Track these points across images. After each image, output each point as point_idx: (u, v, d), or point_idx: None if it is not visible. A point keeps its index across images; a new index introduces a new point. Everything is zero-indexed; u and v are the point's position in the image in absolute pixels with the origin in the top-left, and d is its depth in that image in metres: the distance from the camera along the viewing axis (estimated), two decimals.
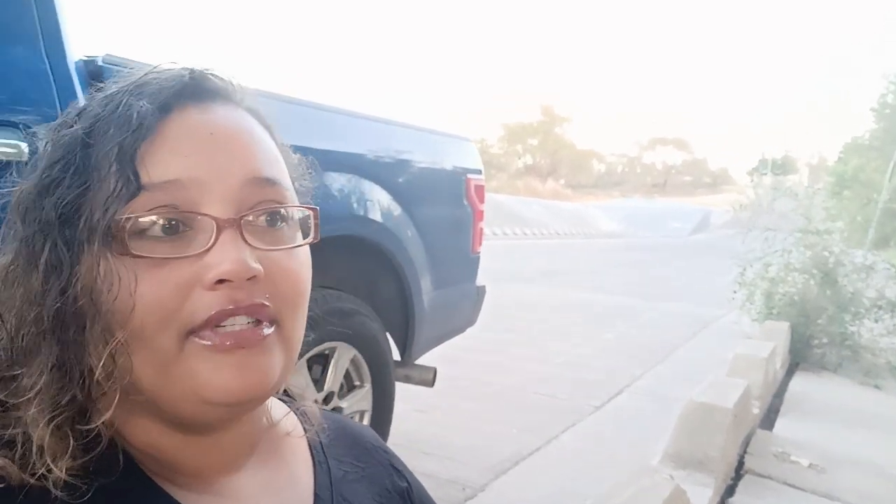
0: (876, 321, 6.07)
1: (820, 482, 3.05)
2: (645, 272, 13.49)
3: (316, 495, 0.61)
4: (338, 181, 2.19)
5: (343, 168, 2.21)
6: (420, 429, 3.33)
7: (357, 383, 2.32)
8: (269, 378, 0.50)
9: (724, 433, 2.83)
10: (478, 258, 3.00)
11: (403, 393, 2.87)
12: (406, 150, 2.59)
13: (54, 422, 0.46)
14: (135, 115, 0.48)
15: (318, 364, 2.18)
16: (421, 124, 2.82)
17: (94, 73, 1.40)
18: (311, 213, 0.56)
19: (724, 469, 2.90)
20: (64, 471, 0.46)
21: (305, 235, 0.55)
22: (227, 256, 0.47)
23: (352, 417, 2.33)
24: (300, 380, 2.03)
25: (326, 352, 2.15)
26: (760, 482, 3.03)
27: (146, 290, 0.46)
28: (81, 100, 0.52)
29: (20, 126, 1.20)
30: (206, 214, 0.48)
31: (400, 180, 2.48)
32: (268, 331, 0.50)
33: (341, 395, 2.24)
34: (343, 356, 2.20)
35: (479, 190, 2.92)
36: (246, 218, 0.50)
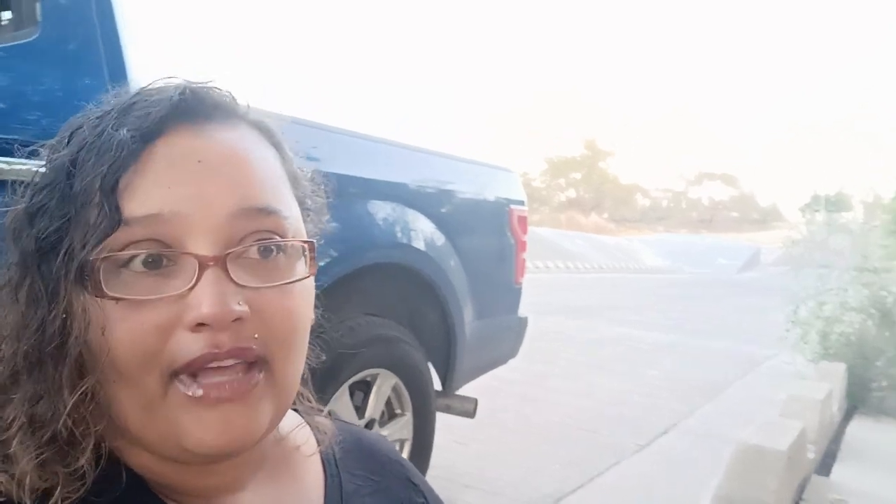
0: None
1: None
2: (691, 308, 13.16)
3: None
4: (382, 209, 2.21)
5: (388, 197, 2.23)
6: (460, 460, 3.28)
7: (398, 411, 2.30)
8: (253, 433, 0.48)
9: (777, 477, 2.71)
10: (520, 289, 2.97)
11: (444, 424, 2.84)
12: (450, 180, 2.60)
13: (38, 459, 0.45)
14: (115, 144, 0.45)
15: (360, 391, 2.17)
16: (465, 155, 2.84)
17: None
18: (305, 245, 0.51)
19: None
20: (60, 502, 0.44)
21: (308, 263, 0.52)
22: (206, 299, 0.44)
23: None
24: (342, 405, 2.03)
25: (368, 378, 2.15)
26: None
27: (125, 331, 0.44)
28: (73, 120, 0.50)
29: None
30: (187, 252, 0.45)
31: (443, 210, 2.49)
32: (257, 377, 0.47)
33: (382, 423, 2.22)
34: (385, 383, 2.19)
35: (522, 221, 2.91)
36: (234, 251, 0.47)
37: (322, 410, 0.65)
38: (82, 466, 0.45)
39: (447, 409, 2.66)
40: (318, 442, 0.62)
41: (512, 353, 3.05)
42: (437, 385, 2.56)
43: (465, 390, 2.74)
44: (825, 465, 3.84)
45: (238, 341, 0.45)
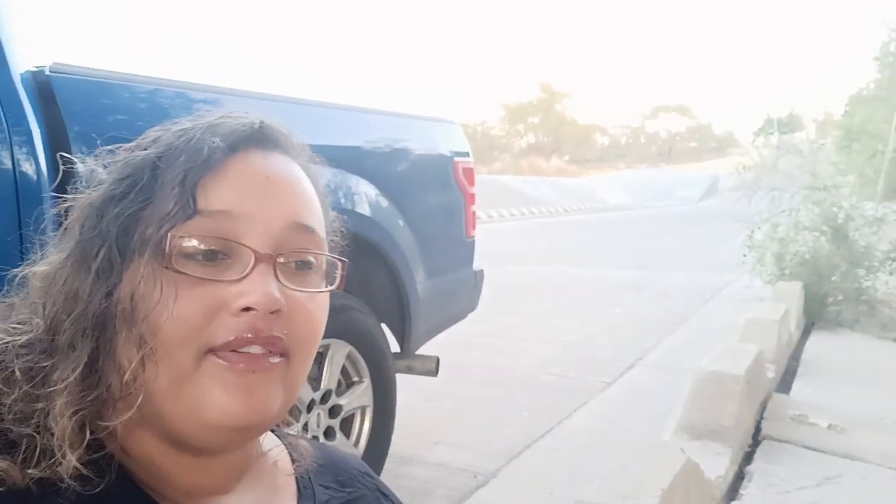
0: (891, 274, 5.96)
1: (840, 443, 2.98)
2: (653, 243, 13.38)
3: None
4: (324, 175, 2.13)
5: (325, 162, 2.15)
6: (430, 419, 3.30)
7: (355, 379, 2.28)
8: (270, 407, 0.53)
9: (736, 400, 2.78)
10: (473, 242, 2.94)
11: (411, 384, 2.85)
12: (390, 138, 2.53)
13: (78, 415, 0.49)
14: (206, 149, 0.53)
15: (314, 363, 2.14)
16: (403, 110, 2.76)
17: (41, 83, 1.36)
18: (339, 263, 0.60)
19: (739, 437, 2.84)
20: (71, 467, 0.48)
21: (330, 284, 0.59)
22: (257, 288, 0.51)
23: (353, 414, 2.29)
24: None
25: (320, 350, 2.11)
26: (779, 447, 2.97)
27: (181, 305, 0.50)
28: (159, 128, 0.58)
29: None
30: (246, 246, 0.52)
31: (386, 170, 2.43)
32: (276, 360, 0.53)
33: (339, 393, 2.20)
34: (338, 353, 2.16)
35: (468, 173, 2.86)
36: (281, 257, 0.54)
37: (304, 437, 0.71)
38: (108, 428, 0.51)
39: (409, 371, 2.65)
40: (293, 461, 0.67)
41: (470, 307, 3.04)
42: (396, 348, 2.55)
43: (433, 348, 2.73)
44: (785, 382, 3.97)
45: (272, 330, 0.52)
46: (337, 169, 2.20)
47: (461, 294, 2.93)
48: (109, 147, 0.58)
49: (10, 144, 1.25)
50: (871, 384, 3.99)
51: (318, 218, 0.59)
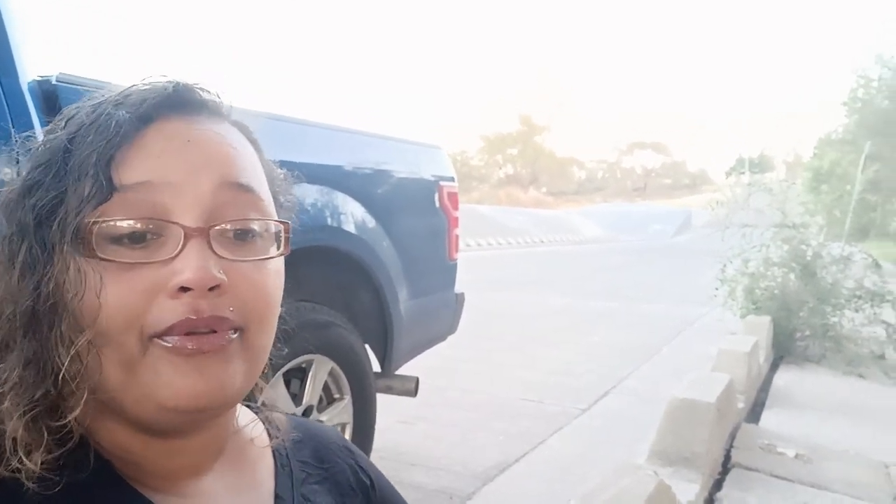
0: (856, 311, 6.12)
1: (807, 472, 3.05)
2: (628, 275, 13.55)
3: (277, 496, 0.62)
4: (310, 193, 2.18)
5: (315, 180, 2.20)
6: (405, 440, 3.31)
7: (336, 396, 2.30)
8: (227, 385, 0.50)
9: (708, 428, 2.83)
10: (455, 265, 2.99)
11: (388, 405, 2.85)
12: (377, 160, 2.58)
13: (28, 415, 0.47)
14: (113, 124, 0.50)
15: (297, 378, 2.15)
16: (392, 135, 2.82)
17: (48, 92, 1.39)
18: (282, 226, 0.56)
19: (710, 464, 2.89)
20: (38, 464, 0.47)
21: (279, 248, 0.56)
22: (190, 264, 0.48)
23: None
24: (278, 394, 2.01)
25: (303, 365, 2.13)
26: (748, 475, 3.03)
27: (112, 293, 0.47)
28: (74, 106, 0.54)
29: None
30: (174, 222, 0.49)
31: (372, 190, 2.48)
32: (230, 336, 0.50)
33: (321, 409, 2.21)
34: (321, 369, 2.18)
35: (453, 197, 2.92)
36: (215, 228, 0.50)
37: (279, 409, 0.69)
38: (68, 425, 0.48)
39: (388, 390, 2.67)
40: (270, 436, 0.65)
41: (450, 329, 3.07)
42: (376, 367, 2.57)
43: (410, 368, 2.75)
44: (754, 413, 4.05)
45: (216, 310, 0.49)
46: (325, 186, 2.24)
47: (442, 315, 2.97)
48: (26, 133, 0.55)
49: (17, 152, 1.28)
50: (838, 417, 4.08)
51: (255, 176, 0.54)
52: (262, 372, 0.58)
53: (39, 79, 1.40)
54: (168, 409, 0.49)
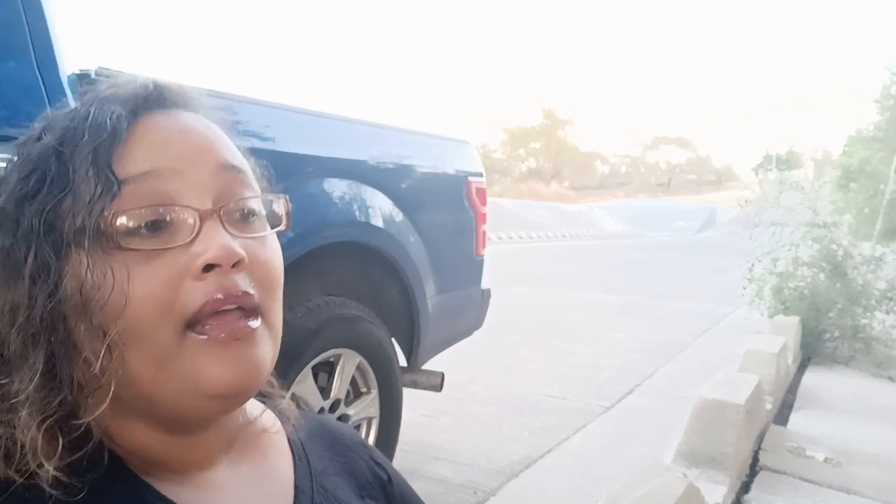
0: (887, 313, 6.01)
1: (836, 476, 3.00)
2: (652, 271, 13.42)
3: (297, 487, 0.62)
4: (339, 188, 2.18)
5: (344, 174, 2.20)
6: (430, 434, 3.31)
7: (364, 390, 2.30)
8: (262, 368, 0.52)
9: (736, 429, 2.80)
10: (482, 261, 2.98)
11: (413, 399, 2.86)
12: (406, 154, 2.58)
13: (45, 424, 0.48)
14: (107, 121, 0.50)
15: (324, 372, 2.16)
16: (420, 128, 2.81)
17: (87, 85, 1.40)
18: (282, 199, 0.58)
19: (737, 466, 2.86)
20: (56, 469, 0.47)
21: (275, 225, 0.58)
22: (212, 243, 0.49)
23: (359, 425, 2.31)
24: (307, 387, 2.02)
25: (331, 359, 2.14)
26: (776, 478, 2.99)
27: (139, 284, 0.48)
28: (44, 115, 0.55)
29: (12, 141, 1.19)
30: (187, 206, 0.50)
31: (401, 185, 2.47)
32: (255, 324, 0.52)
33: (348, 403, 2.22)
34: (348, 363, 2.18)
35: (481, 192, 2.91)
36: (224, 208, 0.52)
37: (284, 396, 0.68)
38: (84, 427, 0.49)
39: (414, 385, 2.67)
40: (283, 427, 0.66)
41: (476, 324, 3.07)
42: (402, 361, 2.57)
43: (434, 363, 2.75)
44: (782, 414, 3.99)
45: (240, 286, 0.50)
46: (353, 181, 2.24)
47: (469, 311, 2.96)
48: None
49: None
50: (867, 420, 4.01)
51: (242, 159, 0.57)
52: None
53: (79, 72, 1.41)
54: (212, 396, 0.50)
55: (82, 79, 1.41)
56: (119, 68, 1.50)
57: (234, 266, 0.50)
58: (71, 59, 1.41)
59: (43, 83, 1.32)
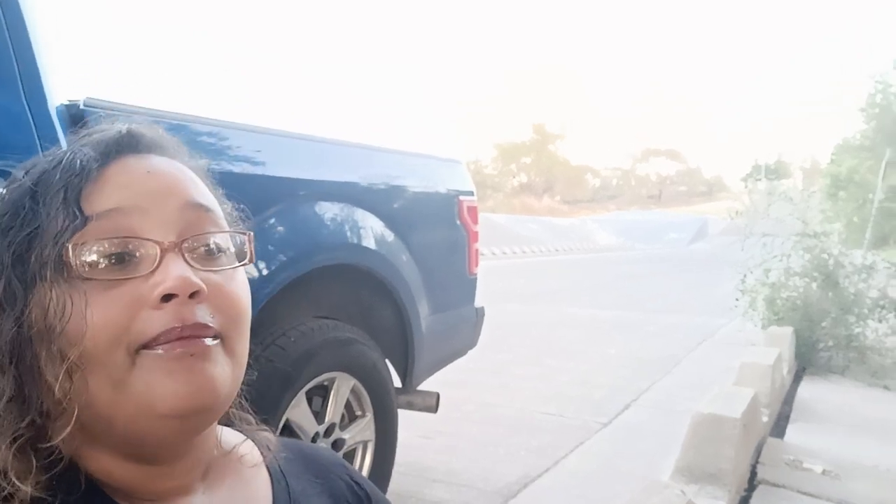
0: (880, 321, 6.02)
1: (834, 489, 2.99)
2: (645, 285, 13.45)
3: None
4: (330, 210, 2.18)
5: (335, 197, 2.21)
6: (426, 456, 3.29)
7: (359, 413, 2.28)
8: (217, 384, 0.52)
9: (733, 444, 2.79)
10: (475, 280, 2.98)
11: (408, 420, 2.84)
12: (396, 175, 2.59)
13: (16, 444, 0.49)
14: (79, 163, 0.53)
15: (318, 396, 2.15)
16: (410, 149, 2.82)
17: (75, 116, 1.40)
18: (246, 236, 0.60)
19: (736, 480, 2.85)
20: (30, 489, 0.48)
21: (241, 261, 0.59)
22: (170, 274, 0.50)
23: (355, 449, 2.29)
24: (301, 412, 2.01)
25: (325, 383, 2.13)
26: (774, 492, 2.97)
27: (98, 311, 0.49)
28: (29, 162, 0.58)
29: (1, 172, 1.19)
30: (148, 239, 0.52)
31: (392, 206, 2.48)
32: (211, 342, 0.52)
33: (343, 427, 2.20)
34: (343, 386, 2.17)
35: (472, 211, 2.91)
36: (187, 241, 0.54)
37: (266, 428, 0.69)
38: (56, 448, 0.51)
39: (409, 406, 2.65)
40: (262, 454, 0.66)
41: (471, 343, 3.06)
42: (397, 382, 2.56)
43: (426, 382, 2.74)
44: (779, 427, 3.98)
45: (197, 318, 0.51)
46: (345, 203, 2.24)
47: (463, 330, 2.95)
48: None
49: None
50: (864, 431, 4.01)
51: (211, 200, 0.58)
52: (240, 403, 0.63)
53: (68, 103, 1.42)
54: (164, 415, 0.50)
55: (71, 109, 1.41)
56: (108, 99, 1.50)
57: (192, 297, 0.51)
58: (59, 90, 1.41)
59: (31, 115, 1.32)
